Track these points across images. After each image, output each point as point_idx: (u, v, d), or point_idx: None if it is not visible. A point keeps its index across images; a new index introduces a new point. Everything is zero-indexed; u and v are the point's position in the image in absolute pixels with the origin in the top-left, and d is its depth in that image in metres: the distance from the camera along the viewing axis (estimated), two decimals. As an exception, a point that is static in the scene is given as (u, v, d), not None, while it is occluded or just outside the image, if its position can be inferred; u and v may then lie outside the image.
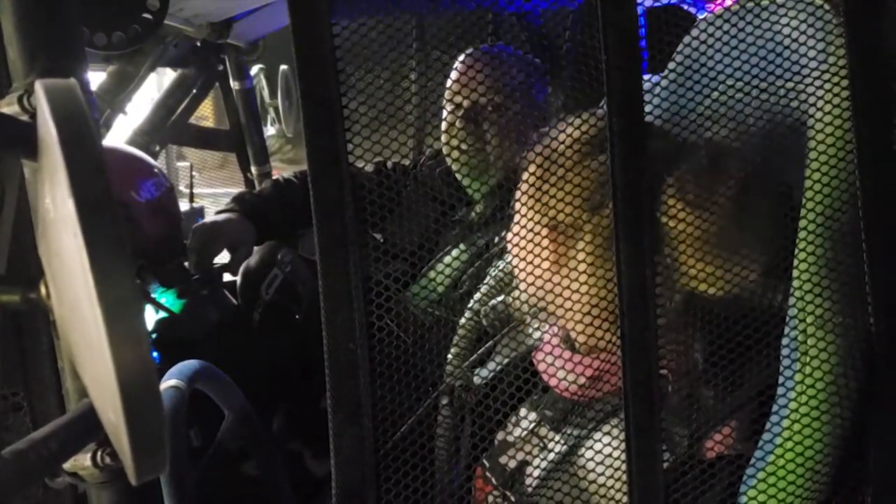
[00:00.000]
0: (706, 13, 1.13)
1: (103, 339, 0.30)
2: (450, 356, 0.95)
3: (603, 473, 0.73)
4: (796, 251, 0.71)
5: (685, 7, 1.22)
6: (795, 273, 0.71)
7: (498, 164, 1.17)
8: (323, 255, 0.63)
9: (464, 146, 1.20)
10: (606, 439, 0.74)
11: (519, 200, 0.77)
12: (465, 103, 1.20)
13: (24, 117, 0.52)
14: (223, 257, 1.53)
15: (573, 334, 0.78)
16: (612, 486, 0.72)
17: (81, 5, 0.79)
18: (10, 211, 0.41)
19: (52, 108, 0.32)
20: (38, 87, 0.35)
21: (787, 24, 0.76)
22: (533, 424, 0.83)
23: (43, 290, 0.37)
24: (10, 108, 0.53)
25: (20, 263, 0.44)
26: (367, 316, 0.63)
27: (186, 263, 1.50)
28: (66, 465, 0.53)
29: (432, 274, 1.14)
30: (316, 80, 0.62)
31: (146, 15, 0.74)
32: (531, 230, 0.77)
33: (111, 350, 0.30)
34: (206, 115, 2.71)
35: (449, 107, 1.23)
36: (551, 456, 0.79)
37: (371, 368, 0.63)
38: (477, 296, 0.99)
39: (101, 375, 0.33)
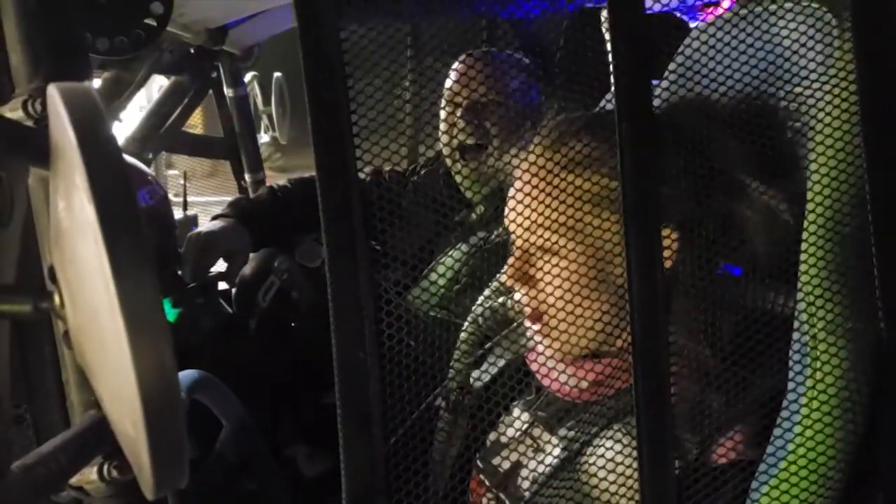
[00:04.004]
0: (699, 22, 1.13)
1: (124, 349, 0.29)
2: (453, 361, 0.94)
3: (612, 481, 0.72)
4: (802, 256, 0.71)
5: (679, 15, 1.23)
6: (804, 279, 0.70)
7: (498, 164, 1.17)
8: (331, 262, 0.62)
9: (469, 141, 1.21)
10: (614, 445, 0.74)
11: (513, 210, 0.77)
12: (465, 102, 1.22)
13: (29, 122, 0.51)
14: (219, 266, 1.52)
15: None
16: (620, 494, 0.72)
17: (84, 10, 0.79)
18: (19, 219, 0.40)
19: (70, 112, 0.31)
20: (53, 90, 0.34)
21: (787, 32, 0.76)
22: (526, 425, 0.82)
23: (56, 299, 0.36)
24: (13, 113, 0.52)
25: (30, 272, 0.42)
26: (376, 324, 0.62)
27: (181, 272, 1.48)
28: (72, 480, 0.51)
29: (433, 276, 1.14)
30: (324, 84, 0.61)
31: (149, 20, 0.73)
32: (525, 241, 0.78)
33: (133, 360, 0.29)
34: (195, 122, 2.69)
35: (448, 108, 1.24)
36: (549, 459, 0.78)
37: (381, 377, 0.62)
38: (480, 300, 0.98)
39: (120, 386, 0.32)
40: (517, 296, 0.81)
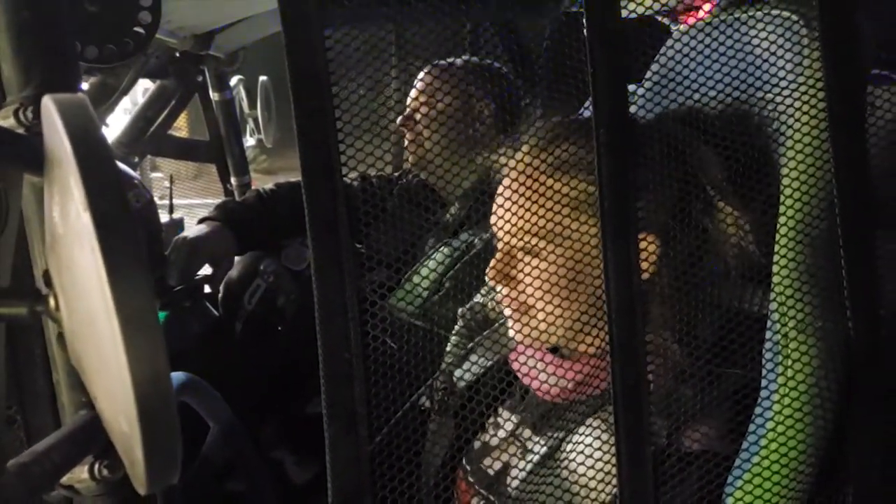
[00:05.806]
0: (681, 25, 1.15)
1: (120, 353, 0.31)
2: (444, 363, 0.96)
3: (591, 466, 0.74)
4: (775, 258, 0.73)
5: (660, 19, 1.25)
6: (776, 279, 0.73)
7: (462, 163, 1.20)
8: (317, 266, 0.63)
9: (411, 147, 1.33)
10: (589, 431, 0.75)
11: (496, 214, 0.78)
12: (407, 111, 1.34)
13: (20, 130, 0.53)
14: (205, 269, 1.52)
15: (561, 343, 0.80)
16: (596, 479, 0.74)
17: (74, 19, 0.79)
18: (14, 223, 0.42)
19: (66, 123, 0.33)
20: (48, 102, 0.36)
21: (761, 39, 0.78)
22: (513, 427, 0.84)
23: (52, 302, 0.37)
24: (5, 121, 0.53)
25: (25, 276, 0.44)
26: (361, 325, 0.63)
27: (167, 275, 1.49)
28: (63, 479, 0.52)
29: (416, 279, 1.16)
30: (309, 91, 0.63)
31: (138, 29, 0.74)
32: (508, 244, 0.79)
33: (128, 363, 0.31)
34: (180, 126, 2.69)
35: None
36: (532, 458, 0.80)
37: (366, 377, 0.63)
38: (467, 306, 1.00)
39: (115, 386, 0.33)
40: (498, 296, 0.82)
